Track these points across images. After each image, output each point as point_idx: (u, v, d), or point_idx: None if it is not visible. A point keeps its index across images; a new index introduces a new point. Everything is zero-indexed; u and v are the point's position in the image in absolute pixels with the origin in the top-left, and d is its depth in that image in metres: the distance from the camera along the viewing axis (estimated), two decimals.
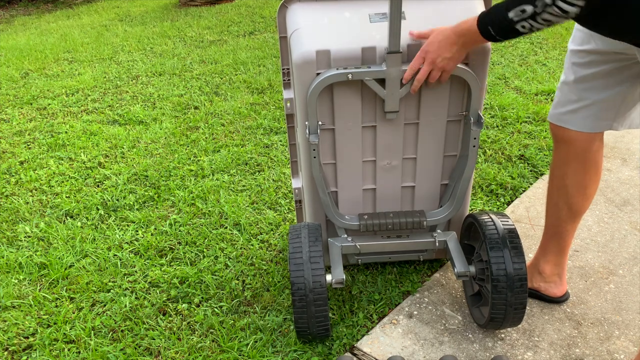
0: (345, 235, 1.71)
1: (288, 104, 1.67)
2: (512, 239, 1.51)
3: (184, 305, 1.83)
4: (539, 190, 2.37)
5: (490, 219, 1.58)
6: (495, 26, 1.26)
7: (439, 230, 1.71)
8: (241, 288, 1.89)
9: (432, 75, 1.41)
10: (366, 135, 1.57)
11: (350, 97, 1.49)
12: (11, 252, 2.16)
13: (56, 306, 1.86)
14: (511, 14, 1.20)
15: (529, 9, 1.17)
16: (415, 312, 1.75)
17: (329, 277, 1.57)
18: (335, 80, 1.41)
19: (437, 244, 1.69)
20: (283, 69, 1.66)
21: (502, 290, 1.48)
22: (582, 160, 1.56)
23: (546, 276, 1.74)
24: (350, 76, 1.41)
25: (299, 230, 1.58)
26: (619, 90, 1.44)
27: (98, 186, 2.62)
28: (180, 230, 2.22)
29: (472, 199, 2.31)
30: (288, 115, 1.71)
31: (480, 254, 1.61)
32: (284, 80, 1.68)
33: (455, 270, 1.60)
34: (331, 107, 1.50)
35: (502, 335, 1.63)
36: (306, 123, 1.49)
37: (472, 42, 1.35)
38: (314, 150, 1.51)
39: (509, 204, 2.32)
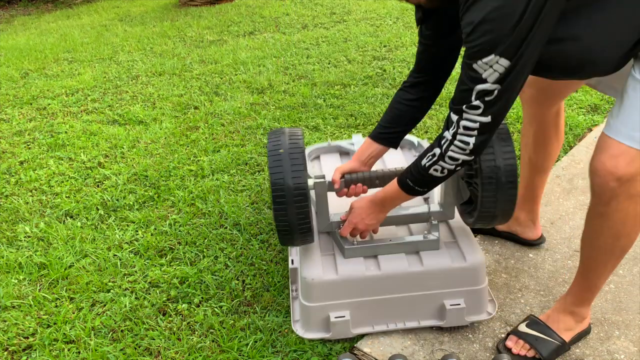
0: None
1: None
2: (499, 130, 1.50)
3: (184, 305, 1.83)
4: None
5: None
6: (412, 176, 1.41)
7: None
8: (241, 288, 1.89)
9: (362, 235, 1.62)
10: None
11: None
12: (11, 252, 2.16)
13: (56, 306, 1.86)
14: (424, 161, 1.35)
15: (437, 151, 1.32)
16: None
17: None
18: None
19: None
20: None
21: (491, 182, 1.46)
22: (541, 124, 1.76)
23: (521, 221, 1.97)
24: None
25: (279, 132, 1.57)
26: None
27: (98, 186, 2.62)
28: (180, 230, 2.22)
29: None
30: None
31: None
32: None
33: None
34: None
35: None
36: None
37: (392, 202, 1.53)
38: None
39: None
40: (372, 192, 1.60)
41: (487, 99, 1.20)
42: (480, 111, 1.22)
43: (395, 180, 1.47)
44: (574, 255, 1.95)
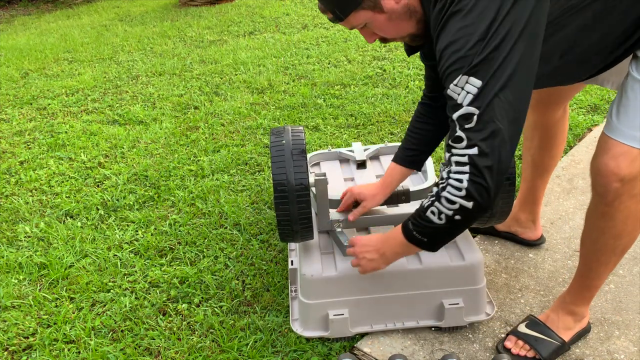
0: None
1: None
2: None
3: (184, 305, 1.83)
4: None
5: None
6: (413, 219, 1.27)
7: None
8: (241, 288, 1.89)
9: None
10: None
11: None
12: (11, 252, 2.16)
13: (56, 306, 1.86)
14: (425, 201, 1.24)
15: (434, 189, 1.23)
16: None
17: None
18: None
19: None
20: None
21: None
22: (546, 128, 1.76)
23: (522, 222, 1.97)
24: None
25: (282, 130, 1.57)
26: None
27: (98, 186, 2.62)
28: (180, 230, 2.22)
29: None
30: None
31: None
32: None
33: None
34: None
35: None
36: None
37: (392, 249, 1.38)
38: None
39: None
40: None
41: (467, 126, 1.10)
42: (464, 143, 1.11)
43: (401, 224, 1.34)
44: (574, 255, 1.95)
